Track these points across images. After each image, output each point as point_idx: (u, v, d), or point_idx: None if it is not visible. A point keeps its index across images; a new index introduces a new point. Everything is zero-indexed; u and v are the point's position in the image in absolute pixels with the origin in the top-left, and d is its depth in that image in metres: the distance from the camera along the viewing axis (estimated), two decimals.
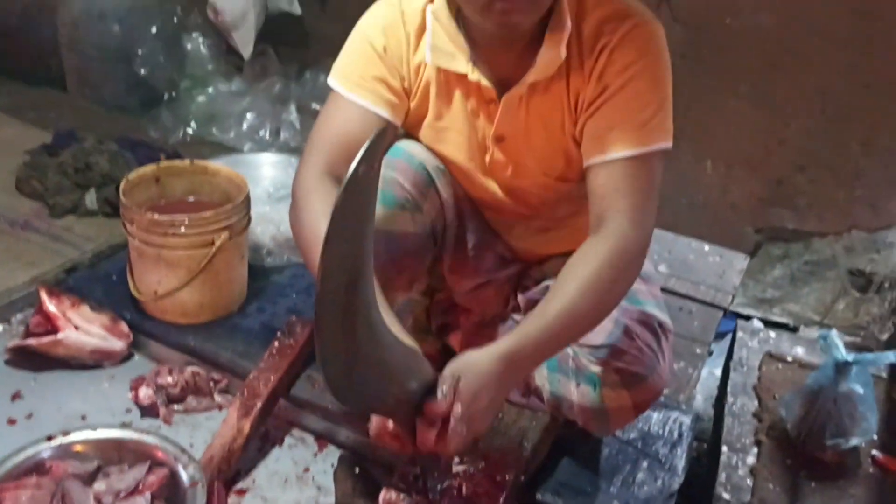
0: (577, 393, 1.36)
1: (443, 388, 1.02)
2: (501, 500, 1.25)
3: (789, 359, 1.79)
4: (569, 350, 1.38)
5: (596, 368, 1.33)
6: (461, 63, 1.25)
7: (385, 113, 1.28)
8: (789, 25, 2.24)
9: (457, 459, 1.31)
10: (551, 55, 1.21)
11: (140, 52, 2.67)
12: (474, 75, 1.24)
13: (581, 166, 1.28)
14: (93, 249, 1.94)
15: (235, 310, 1.76)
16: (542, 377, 1.40)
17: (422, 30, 1.27)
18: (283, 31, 2.86)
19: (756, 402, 1.67)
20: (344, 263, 0.76)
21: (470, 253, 1.46)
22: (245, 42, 2.64)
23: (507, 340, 1.10)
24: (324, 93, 2.72)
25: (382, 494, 1.25)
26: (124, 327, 1.67)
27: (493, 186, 1.38)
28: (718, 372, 1.96)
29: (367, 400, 0.94)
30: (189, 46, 2.76)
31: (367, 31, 1.29)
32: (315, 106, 2.63)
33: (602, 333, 1.34)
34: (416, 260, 1.38)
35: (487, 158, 1.34)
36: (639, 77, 1.19)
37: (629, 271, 1.20)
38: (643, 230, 1.20)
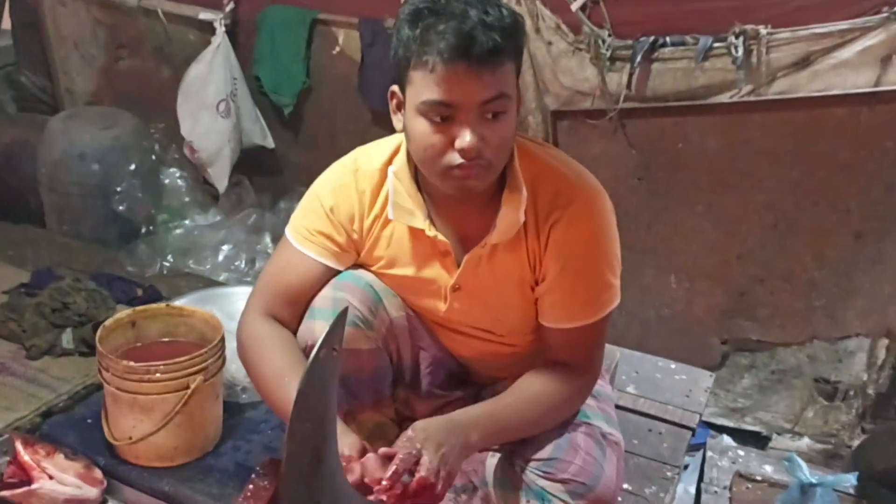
0: None
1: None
2: None
3: (759, 478, 1.82)
4: (516, 467, 1.41)
5: (543, 482, 1.36)
6: (419, 219, 1.34)
7: (330, 262, 1.41)
8: (736, 147, 2.37)
9: None
10: (511, 219, 1.31)
11: (118, 188, 2.74)
12: (431, 231, 1.34)
13: (534, 318, 1.40)
14: (68, 391, 1.95)
15: (210, 449, 1.77)
16: (499, 498, 1.42)
17: (378, 187, 1.38)
18: (257, 162, 2.97)
19: None
20: (309, 441, 0.81)
21: (424, 371, 1.52)
22: (220, 177, 2.74)
23: (464, 413, 1.28)
24: None
25: None
26: (98, 474, 1.68)
27: (444, 333, 1.47)
28: (692, 489, 1.98)
29: None
30: (166, 181, 2.85)
31: (318, 191, 1.42)
32: None
33: (549, 447, 1.38)
34: (376, 375, 1.46)
35: (443, 307, 1.42)
36: (589, 254, 1.33)
37: (578, 403, 1.40)
38: (595, 372, 1.43)
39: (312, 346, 1.31)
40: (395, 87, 1.29)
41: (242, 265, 2.65)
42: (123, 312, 1.79)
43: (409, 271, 1.41)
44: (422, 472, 1.13)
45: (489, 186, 1.30)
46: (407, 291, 1.45)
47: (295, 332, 1.42)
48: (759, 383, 2.55)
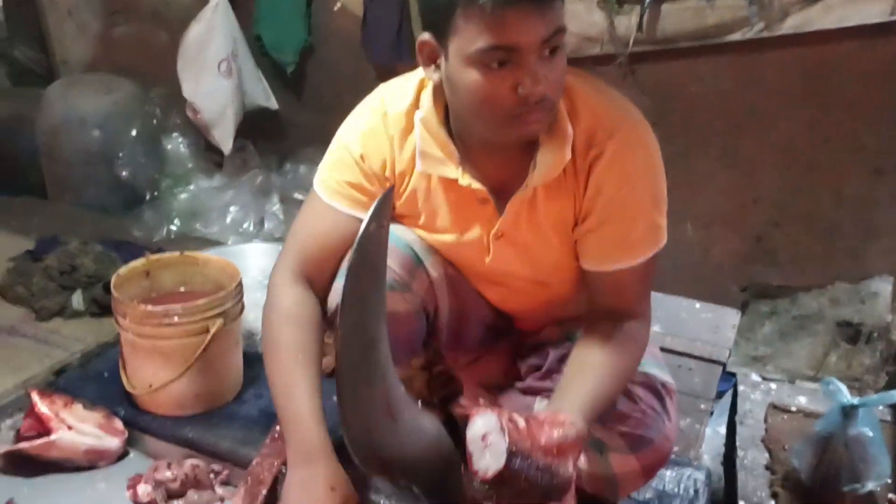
0: (584, 459, 1.34)
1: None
2: None
3: (793, 408, 1.78)
4: None
5: (601, 433, 1.31)
6: (451, 169, 1.25)
7: (361, 214, 1.27)
8: (749, 87, 2.32)
9: None
10: (555, 158, 1.21)
11: (121, 154, 2.69)
12: (465, 180, 1.25)
13: (577, 261, 1.33)
14: (82, 350, 1.91)
15: (231, 398, 1.72)
16: None
17: (406, 133, 1.29)
18: (260, 125, 2.92)
19: (766, 455, 1.65)
20: (361, 325, 0.76)
21: (465, 328, 1.46)
22: (224, 138, 2.68)
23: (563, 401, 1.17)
24: (305, 182, 2.77)
25: None
26: (119, 424, 1.63)
27: (488, 286, 1.41)
28: (722, 430, 1.95)
29: (389, 462, 0.92)
30: (169, 146, 2.80)
31: (345, 139, 1.33)
32: (297, 195, 2.66)
33: None
34: (410, 338, 1.38)
35: (488, 259, 1.35)
36: (634, 192, 1.23)
37: (638, 354, 1.30)
38: (646, 317, 1.32)
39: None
40: (426, 37, 1.16)
41: (251, 227, 2.61)
42: (138, 261, 1.75)
43: (448, 224, 1.34)
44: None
45: None
46: (448, 246, 1.37)
47: (326, 295, 1.35)
48: (781, 330, 2.51)
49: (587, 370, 1.23)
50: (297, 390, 1.26)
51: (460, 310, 1.42)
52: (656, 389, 1.35)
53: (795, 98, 2.28)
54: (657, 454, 1.30)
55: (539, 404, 1.40)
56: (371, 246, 0.77)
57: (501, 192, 1.28)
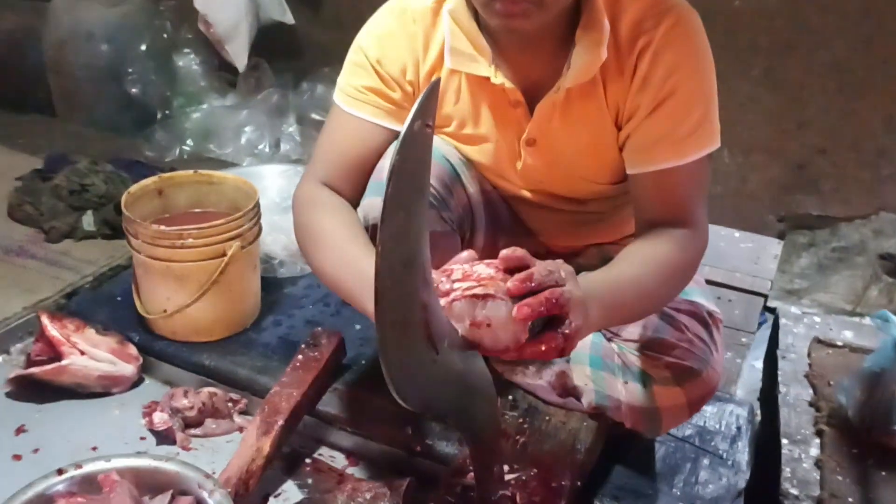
0: (625, 391, 1.26)
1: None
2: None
3: (839, 343, 1.69)
4: (613, 345, 1.29)
5: (645, 364, 1.24)
6: (483, 66, 1.16)
7: (386, 123, 1.22)
8: (798, 3, 2.17)
9: (507, 468, 1.20)
10: (589, 58, 1.11)
11: (130, 70, 2.58)
12: (498, 78, 1.15)
13: (621, 168, 1.21)
14: (93, 272, 1.84)
15: (250, 325, 1.65)
16: (583, 375, 1.31)
17: (432, 30, 1.19)
18: (276, 43, 2.78)
19: (811, 391, 1.57)
20: (403, 236, 0.67)
21: (499, 251, 1.37)
22: (239, 53, 2.56)
23: (597, 275, 1.04)
24: (323, 102, 2.65)
25: None
26: (133, 350, 1.56)
27: (525, 192, 1.29)
28: (758, 364, 1.87)
29: (428, 397, 0.84)
30: (181, 63, 2.68)
31: (362, 42, 1.24)
32: (315, 116, 2.55)
33: (648, 327, 1.25)
34: (444, 259, 1.29)
35: (519, 165, 1.25)
36: (685, 81, 1.11)
37: (692, 269, 1.17)
38: (702, 229, 1.17)
39: (375, 224, 1.16)
40: None
41: (266, 148, 2.51)
42: (149, 179, 1.65)
43: (478, 130, 1.24)
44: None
45: (560, 25, 1.12)
46: (480, 155, 1.28)
47: (354, 205, 1.25)
48: (819, 262, 2.41)
49: (624, 259, 1.10)
50: (362, 262, 1.07)
51: (496, 232, 1.33)
52: (703, 318, 1.26)
53: (850, 15, 2.13)
54: (704, 387, 1.22)
55: None
56: (414, 148, 0.67)
57: (536, 96, 1.18)
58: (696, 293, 1.30)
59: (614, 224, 1.33)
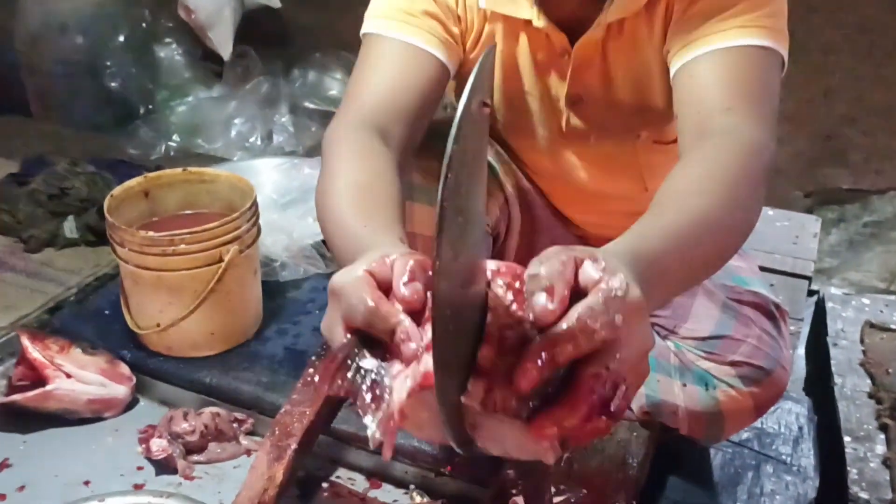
0: (684, 395, 1.13)
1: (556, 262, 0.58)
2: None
3: (894, 326, 1.56)
4: (669, 343, 1.15)
5: (707, 364, 1.10)
6: (524, 8, 1.00)
7: (439, 54, 1.00)
8: None
9: (553, 489, 1.07)
10: None
11: (108, 64, 2.42)
12: (540, 21, 1.00)
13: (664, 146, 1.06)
14: (78, 284, 1.69)
15: (252, 335, 1.51)
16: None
17: None
18: (262, 28, 2.62)
19: (868, 381, 1.44)
20: (462, 244, 0.52)
21: (535, 251, 1.22)
22: (223, 41, 2.39)
23: (626, 245, 0.69)
24: (316, 89, 2.49)
25: None
26: (125, 369, 1.42)
27: (571, 158, 1.13)
28: (800, 351, 1.74)
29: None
30: (162, 54, 2.52)
31: None
32: (308, 104, 2.39)
33: (710, 322, 1.11)
34: None
35: (563, 124, 1.09)
36: None
37: (761, 174, 0.81)
38: (768, 132, 0.84)
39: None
40: None
41: (258, 141, 2.36)
42: (134, 180, 1.50)
43: (518, 87, 1.07)
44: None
45: None
46: (516, 126, 1.12)
47: (404, 155, 0.97)
48: (850, 239, 2.28)
49: (665, 197, 0.78)
50: (352, 222, 0.80)
51: (532, 230, 1.19)
52: (769, 311, 1.13)
53: None
54: (774, 388, 1.10)
55: None
56: (473, 133, 0.52)
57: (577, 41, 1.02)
58: (757, 283, 1.17)
59: None
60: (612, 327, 0.54)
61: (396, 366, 0.60)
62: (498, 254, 1.17)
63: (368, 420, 0.59)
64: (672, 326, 1.14)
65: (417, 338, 0.58)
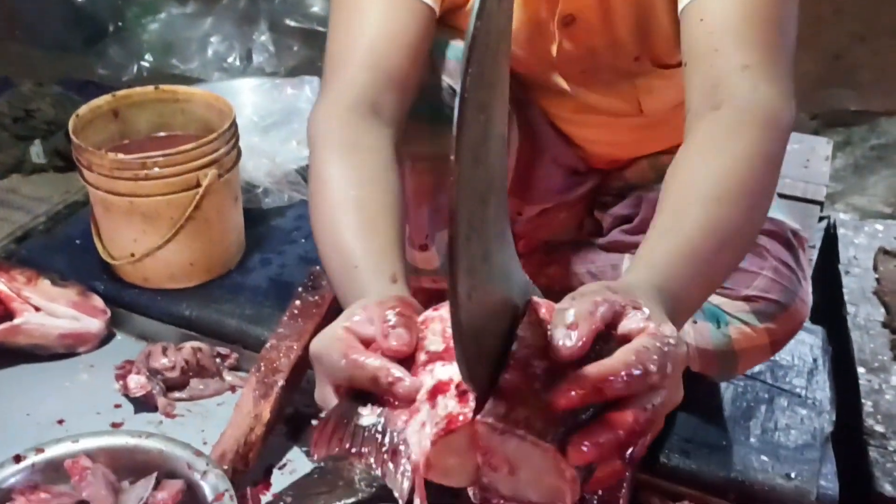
0: (694, 332, 1.05)
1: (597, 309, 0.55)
2: (627, 474, 0.95)
3: None
4: None
5: (718, 299, 1.02)
6: None
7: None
8: None
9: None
10: None
11: None
12: None
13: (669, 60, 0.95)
14: (46, 212, 1.59)
15: (234, 266, 1.42)
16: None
17: None
18: None
19: (882, 310, 1.38)
20: (483, 149, 0.43)
21: (534, 170, 1.13)
22: None
23: (642, 271, 0.66)
24: (298, 6, 2.34)
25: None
26: (98, 302, 1.33)
27: (563, 83, 1.03)
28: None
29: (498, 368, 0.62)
30: None
31: None
32: (290, 22, 2.24)
33: None
34: None
35: (554, 49, 0.99)
36: None
37: (781, 153, 0.79)
38: (787, 94, 0.78)
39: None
40: None
41: (237, 61, 2.22)
42: (101, 99, 1.39)
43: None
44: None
45: None
46: (515, 63, 1.01)
47: (399, 126, 0.89)
48: (855, 163, 2.20)
49: (683, 199, 0.72)
50: (347, 237, 0.76)
51: (531, 147, 1.09)
52: (786, 239, 1.05)
53: None
54: (791, 323, 1.02)
55: (627, 262, 1.10)
56: (496, 21, 0.43)
57: None
58: (774, 207, 1.07)
59: (672, 129, 1.09)
60: (664, 374, 0.53)
61: (402, 415, 0.56)
62: None
63: (389, 480, 0.55)
64: None
65: (408, 375, 0.56)
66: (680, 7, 0.85)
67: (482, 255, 0.50)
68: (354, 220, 0.77)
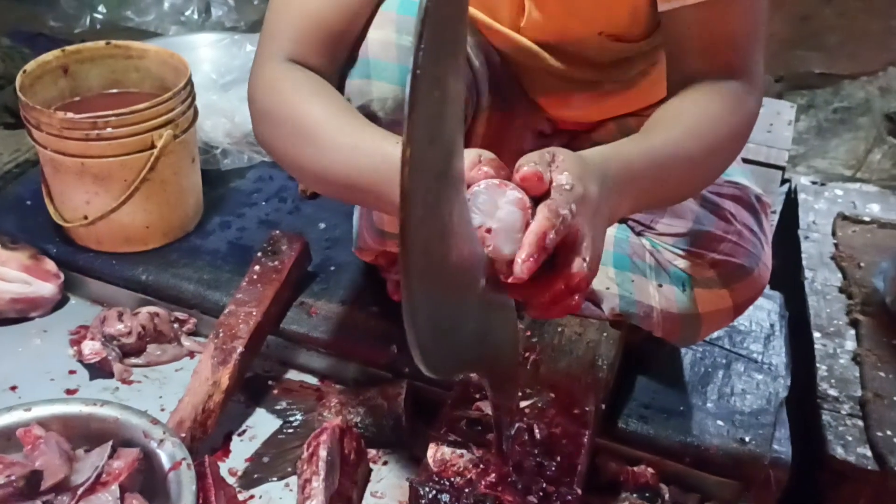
0: (659, 296, 1.06)
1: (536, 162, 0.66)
2: (585, 440, 0.95)
3: (866, 219, 1.51)
4: (644, 241, 1.07)
5: (683, 263, 1.03)
6: None
7: None
8: None
9: (519, 393, 1.00)
10: None
11: None
12: None
13: (651, 19, 0.94)
14: None
15: (192, 229, 1.39)
16: (605, 278, 1.09)
17: None
18: None
19: (840, 275, 1.40)
20: (439, 124, 0.42)
21: (505, 132, 1.11)
22: None
23: (600, 150, 0.76)
24: None
25: (430, 452, 0.94)
26: (51, 265, 1.30)
27: (533, 48, 1.01)
28: None
29: (460, 351, 0.61)
30: None
31: None
32: None
33: (687, 217, 1.03)
34: None
35: (523, 22, 0.97)
36: None
37: (744, 133, 0.91)
38: (758, 84, 0.90)
39: (371, 111, 0.89)
40: None
41: (195, 15, 2.15)
42: (50, 54, 1.33)
43: None
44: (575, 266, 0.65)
45: None
46: (485, 27, 1.01)
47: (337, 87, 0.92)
48: (818, 125, 2.21)
49: (660, 122, 0.86)
50: (385, 145, 0.79)
51: (502, 109, 1.07)
52: (751, 204, 1.06)
53: None
54: (754, 287, 1.03)
55: None
56: (445, 6, 0.41)
57: None
58: (738, 173, 1.08)
59: (638, 92, 1.08)
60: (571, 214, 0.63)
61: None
62: (466, 133, 1.05)
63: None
64: (649, 222, 1.06)
65: None
66: (662, 7, 0.89)
67: (439, 235, 0.49)
68: (374, 130, 0.81)
